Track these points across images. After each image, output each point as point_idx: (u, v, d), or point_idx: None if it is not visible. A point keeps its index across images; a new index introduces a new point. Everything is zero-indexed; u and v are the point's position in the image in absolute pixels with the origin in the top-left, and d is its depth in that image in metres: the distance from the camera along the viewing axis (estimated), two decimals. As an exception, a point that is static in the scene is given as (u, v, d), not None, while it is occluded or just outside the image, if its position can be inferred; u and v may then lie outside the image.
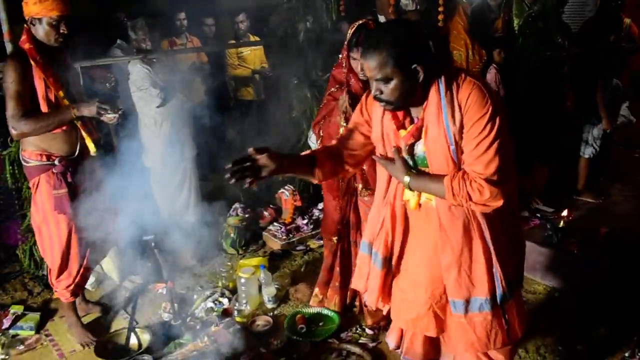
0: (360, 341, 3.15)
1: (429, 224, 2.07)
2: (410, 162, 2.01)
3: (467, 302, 2.08)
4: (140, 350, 3.08)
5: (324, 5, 5.07)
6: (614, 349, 2.99)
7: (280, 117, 5.20)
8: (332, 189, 3.18)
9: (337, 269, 3.29)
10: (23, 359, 3.23)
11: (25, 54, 2.87)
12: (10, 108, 2.84)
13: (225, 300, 3.57)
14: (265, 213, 4.69)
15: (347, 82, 3.01)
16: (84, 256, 3.23)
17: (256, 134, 5.24)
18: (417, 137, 1.97)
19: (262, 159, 1.89)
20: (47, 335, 3.42)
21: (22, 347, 3.30)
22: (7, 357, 3.22)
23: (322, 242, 4.29)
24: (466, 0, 4.85)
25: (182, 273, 3.89)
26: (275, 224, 4.56)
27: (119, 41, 4.82)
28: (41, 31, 2.87)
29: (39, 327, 3.49)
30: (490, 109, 1.83)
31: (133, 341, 3.19)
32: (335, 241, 3.25)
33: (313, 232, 4.44)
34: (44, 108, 2.91)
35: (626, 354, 2.92)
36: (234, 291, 3.65)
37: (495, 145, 1.83)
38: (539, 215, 3.99)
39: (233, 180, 1.84)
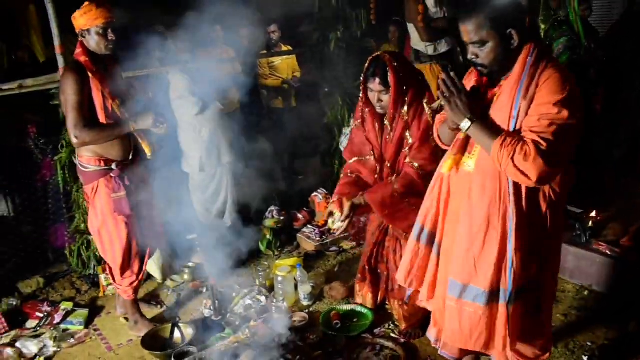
0: (392, 336, 3.27)
1: (464, 195, 2.11)
2: None
3: (464, 287, 2.10)
4: (185, 343, 3.24)
5: (354, 14, 5.23)
6: (642, 345, 3.03)
7: (312, 124, 5.36)
8: None
9: (367, 267, 3.43)
10: (73, 352, 3.41)
11: (82, 66, 3.01)
12: (72, 118, 2.98)
13: (262, 298, 3.72)
14: (300, 215, 4.82)
15: (362, 117, 3.13)
16: (143, 254, 3.40)
17: (289, 141, 5.41)
18: (487, 103, 2.04)
19: None
20: (95, 330, 3.61)
21: (72, 340, 3.49)
22: (58, 349, 3.41)
23: (354, 243, 4.45)
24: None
25: (222, 272, 4.05)
26: (309, 226, 4.69)
27: (157, 52, 5.03)
28: (92, 42, 3.02)
29: (88, 323, 3.67)
30: (566, 96, 1.85)
31: (177, 335, 3.35)
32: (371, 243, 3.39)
33: (346, 234, 4.56)
34: (102, 117, 3.06)
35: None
36: (270, 289, 3.79)
37: (556, 127, 1.84)
38: (568, 215, 4.03)
39: None
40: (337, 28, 5.19)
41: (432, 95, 2.98)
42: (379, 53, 2.96)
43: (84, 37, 3.04)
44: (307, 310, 3.60)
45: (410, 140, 2.95)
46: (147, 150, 3.21)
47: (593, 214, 3.91)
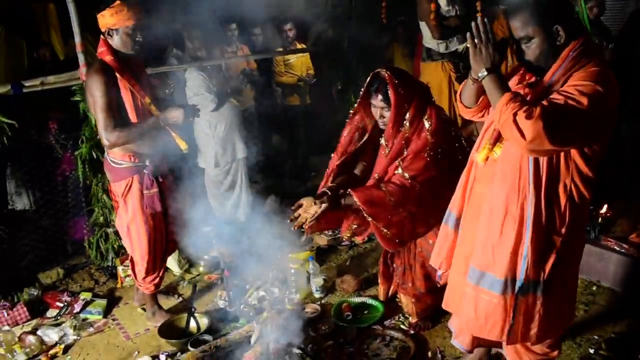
0: (402, 327, 3.33)
1: (488, 182, 2.15)
2: None
3: (482, 274, 2.14)
4: (201, 332, 3.34)
5: (367, 13, 5.30)
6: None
7: (326, 120, 5.44)
8: None
9: (381, 260, 3.51)
10: (93, 340, 3.52)
11: (107, 65, 3.00)
12: (102, 120, 2.96)
13: (276, 290, 3.80)
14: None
15: (357, 128, 3.19)
16: (166, 250, 3.47)
17: (303, 136, 5.49)
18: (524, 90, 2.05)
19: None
20: (113, 320, 3.72)
21: (91, 329, 3.60)
22: (78, 337, 3.52)
23: (366, 238, 4.50)
24: (504, 6, 4.98)
25: (235, 264, 4.14)
26: (321, 221, 4.76)
27: (175, 50, 5.14)
28: (118, 41, 3.02)
29: (106, 312, 3.79)
30: (593, 90, 1.83)
31: (192, 325, 3.44)
32: None
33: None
34: (132, 116, 3.06)
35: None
36: (283, 282, 3.87)
37: (570, 104, 1.82)
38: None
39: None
40: (349, 27, 5.27)
41: (433, 110, 2.97)
42: (379, 70, 2.95)
43: (111, 36, 3.02)
44: (319, 302, 3.67)
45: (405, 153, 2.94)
46: (182, 145, 3.22)
47: (603, 210, 3.94)
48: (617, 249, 3.64)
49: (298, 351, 2.98)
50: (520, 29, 1.98)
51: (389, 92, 2.87)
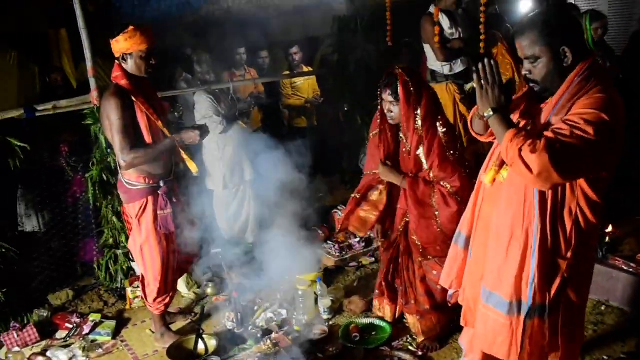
0: (410, 349, 3.33)
1: (495, 203, 2.17)
2: None
3: (490, 294, 2.16)
4: (209, 354, 3.35)
5: (373, 36, 5.38)
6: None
7: (333, 142, 5.49)
8: None
9: (383, 283, 3.51)
10: (102, 362, 3.54)
11: (123, 89, 3.07)
12: (119, 142, 3.03)
13: (283, 311, 3.81)
14: (320, 232, 4.92)
15: (379, 128, 3.22)
16: (177, 270, 3.51)
17: (310, 158, 5.52)
18: (530, 120, 2.08)
19: None
20: (122, 341, 3.73)
21: (100, 350, 3.62)
22: (87, 359, 3.53)
23: (373, 259, 4.54)
24: (506, 28, 5.05)
25: (244, 286, 4.16)
26: (329, 242, 4.79)
27: (184, 74, 5.24)
28: (132, 65, 3.10)
29: (115, 334, 3.80)
30: (599, 117, 1.82)
31: (200, 346, 3.45)
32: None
33: (365, 250, 4.65)
34: (147, 138, 3.13)
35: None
36: (291, 303, 3.88)
37: (576, 135, 1.81)
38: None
39: None
40: (356, 49, 5.34)
41: (444, 117, 3.06)
42: (393, 68, 3.07)
43: (125, 61, 3.10)
44: (327, 324, 3.67)
45: (423, 157, 3.01)
46: (193, 168, 3.28)
47: (609, 229, 3.94)
48: (625, 268, 3.62)
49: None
50: (528, 48, 2.00)
51: (399, 87, 2.95)
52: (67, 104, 4.06)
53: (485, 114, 2.03)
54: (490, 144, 2.35)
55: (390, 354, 3.28)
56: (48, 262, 4.46)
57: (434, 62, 4.83)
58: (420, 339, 3.34)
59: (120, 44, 3.06)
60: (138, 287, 4.11)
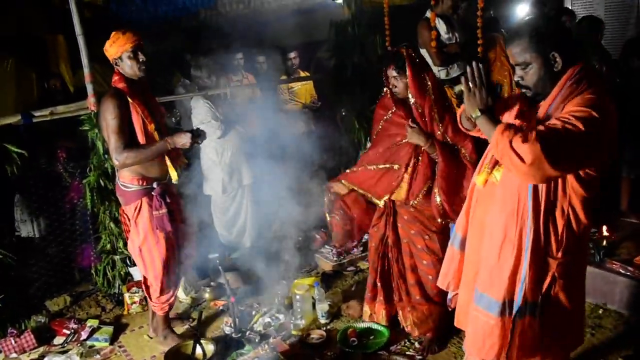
0: (408, 353, 3.33)
1: (489, 205, 2.20)
2: None
3: (481, 295, 2.19)
4: (207, 359, 3.34)
5: (370, 41, 5.39)
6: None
7: (330, 146, 5.48)
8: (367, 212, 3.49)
9: (379, 284, 3.48)
10: (100, 368, 3.54)
11: (120, 91, 3.15)
12: (113, 141, 3.11)
13: (281, 316, 3.81)
14: (317, 236, 4.92)
15: (391, 106, 3.30)
16: (178, 271, 3.52)
17: (308, 163, 5.53)
18: (523, 123, 2.11)
19: None
20: (120, 347, 3.72)
21: (98, 356, 3.61)
22: (85, 365, 3.54)
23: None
24: (501, 33, 5.06)
25: (241, 291, 4.16)
26: (326, 246, 4.79)
27: (182, 79, 5.25)
28: (126, 67, 3.17)
29: (113, 339, 3.79)
30: (589, 115, 1.86)
31: (198, 351, 3.44)
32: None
33: (362, 254, 4.65)
34: (141, 139, 3.18)
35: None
36: (289, 308, 3.88)
37: (567, 127, 1.84)
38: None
39: None
40: (353, 54, 5.35)
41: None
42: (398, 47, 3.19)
43: (118, 65, 3.19)
44: (324, 328, 3.67)
45: (440, 122, 3.10)
46: (174, 175, 3.32)
47: (606, 232, 3.95)
48: (623, 271, 3.63)
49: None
50: (519, 55, 2.04)
51: (405, 60, 3.05)
52: (64, 110, 4.06)
53: (473, 115, 2.08)
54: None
55: (388, 358, 3.28)
56: (45, 268, 4.46)
57: (430, 67, 4.83)
58: (415, 332, 3.36)
59: (109, 51, 3.16)
60: (136, 292, 4.12)
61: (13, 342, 3.68)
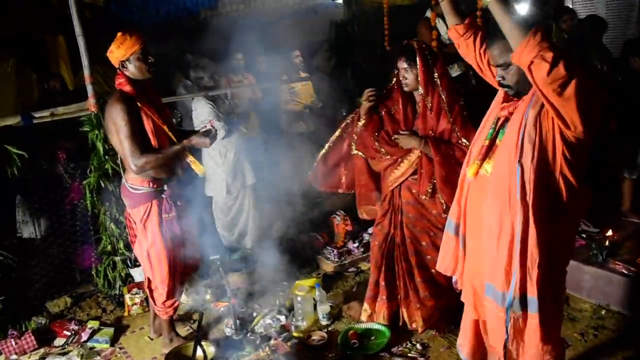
0: (410, 355, 3.31)
1: (482, 197, 2.24)
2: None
3: (488, 285, 2.24)
4: (207, 360, 3.33)
5: (370, 41, 5.39)
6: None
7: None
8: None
9: (382, 283, 3.48)
10: (100, 370, 3.53)
11: (127, 94, 3.07)
12: (128, 147, 3.02)
13: (282, 317, 3.80)
14: (319, 237, 4.91)
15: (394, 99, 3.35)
16: (183, 274, 3.51)
17: (308, 162, 5.51)
18: (509, 115, 2.18)
19: None
20: (120, 348, 3.72)
21: (98, 358, 3.61)
22: (86, 367, 3.53)
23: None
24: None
25: (242, 292, 4.15)
26: (327, 247, 4.78)
27: (183, 80, 5.24)
28: (133, 69, 3.08)
29: (113, 341, 3.79)
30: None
31: (199, 353, 3.43)
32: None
33: (364, 255, 4.64)
34: (154, 142, 3.12)
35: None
36: (290, 309, 3.87)
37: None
38: (584, 235, 4.07)
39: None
40: (353, 54, 5.35)
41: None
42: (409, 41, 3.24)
43: (125, 67, 3.09)
44: (326, 330, 3.66)
45: (446, 110, 3.12)
46: (199, 169, 3.28)
47: (609, 232, 3.93)
48: (625, 272, 3.61)
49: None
50: (499, 57, 2.13)
51: (416, 52, 3.10)
52: (64, 111, 4.05)
53: None
54: None
55: (389, 360, 3.27)
56: (46, 269, 4.44)
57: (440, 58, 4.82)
58: (421, 329, 3.39)
59: (115, 53, 3.07)
60: (136, 293, 4.11)
61: (13, 343, 3.68)
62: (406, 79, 3.17)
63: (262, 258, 4.23)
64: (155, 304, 3.48)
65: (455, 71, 4.71)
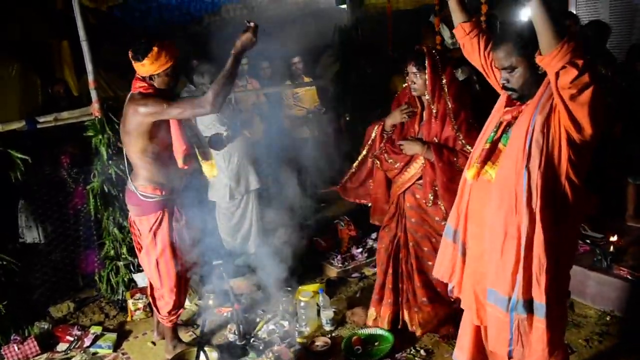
0: (414, 361, 3.31)
1: (484, 202, 2.23)
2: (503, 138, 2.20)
3: (491, 291, 2.22)
4: (210, 366, 3.32)
5: (374, 45, 5.39)
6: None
7: (335, 152, 5.47)
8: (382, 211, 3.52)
9: (388, 286, 3.48)
10: (103, 375, 3.53)
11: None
12: (188, 105, 2.90)
13: (286, 323, 3.78)
14: (322, 243, 4.90)
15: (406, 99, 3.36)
16: (187, 281, 3.50)
17: (313, 167, 5.51)
18: (513, 119, 2.18)
19: None
20: (123, 354, 3.71)
21: (101, 363, 3.62)
22: (88, 372, 3.53)
23: (376, 269, 4.50)
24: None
25: (246, 298, 4.14)
26: (331, 253, 4.76)
27: (187, 85, 5.23)
28: (160, 82, 3.02)
29: (116, 346, 3.78)
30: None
31: (202, 359, 3.42)
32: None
33: (367, 260, 4.63)
34: (180, 144, 3.12)
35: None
36: (293, 314, 3.85)
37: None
38: (588, 241, 4.05)
39: None
40: (357, 58, 5.35)
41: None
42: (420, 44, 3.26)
43: (152, 80, 3.01)
44: (329, 335, 3.65)
45: (452, 117, 3.12)
46: (212, 170, 3.28)
47: (614, 238, 3.92)
48: (630, 278, 3.59)
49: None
50: (504, 59, 2.12)
51: (425, 57, 3.10)
52: (68, 116, 4.06)
53: None
54: None
55: (393, 367, 3.26)
56: (49, 274, 4.43)
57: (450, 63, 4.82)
58: (419, 332, 3.40)
59: (147, 67, 2.97)
60: (139, 299, 4.10)
61: (16, 348, 3.67)
62: (415, 83, 3.18)
63: (265, 263, 4.22)
64: (159, 313, 3.46)
65: (459, 76, 4.70)
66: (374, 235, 4.86)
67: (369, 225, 4.96)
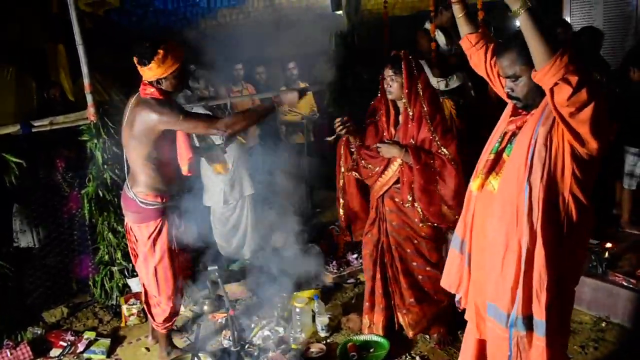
0: (410, 367, 3.30)
1: (487, 213, 2.20)
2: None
3: (490, 305, 2.20)
4: (204, 372, 3.30)
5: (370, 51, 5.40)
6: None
7: (331, 159, 5.47)
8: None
9: (378, 292, 3.47)
10: (96, 381, 3.50)
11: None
12: (202, 122, 2.97)
13: (281, 329, 3.76)
14: (318, 248, 4.88)
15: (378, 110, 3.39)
16: (182, 287, 3.48)
17: (308, 173, 5.52)
18: (517, 129, 2.15)
19: None
20: (117, 360, 3.70)
21: (95, 369, 3.59)
22: (82, 378, 3.50)
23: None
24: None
25: (240, 303, 4.13)
26: (326, 258, 4.73)
27: (184, 89, 5.23)
28: (167, 85, 2.97)
29: (110, 352, 3.75)
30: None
31: (196, 365, 3.42)
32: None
33: (362, 266, 4.61)
34: (186, 151, 3.17)
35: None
36: (288, 320, 3.84)
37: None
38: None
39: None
40: (353, 64, 5.35)
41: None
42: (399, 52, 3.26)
43: (160, 84, 2.96)
44: (324, 342, 3.63)
45: (428, 120, 3.14)
46: (223, 169, 3.26)
47: (609, 244, 3.92)
48: (625, 284, 3.60)
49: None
50: (508, 68, 2.08)
51: (402, 61, 3.15)
52: (63, 120, 4.04)
53: (513, 9, 1.89)
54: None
55: (388, 373, 3.25)
56: (43, 279, 4.41)
57: (430, 78, 4.83)
58: (410, 333, 3.41)
59: (154, 71, 2.90)
60: (133, 304, 4.07)
61: (9, 354, 3.64)
62: (391, 86, 3.21)
63: (260, 269, 4.21)
64: (154, 320, 3.43)
65: (454, 82, 4.71)
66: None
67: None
